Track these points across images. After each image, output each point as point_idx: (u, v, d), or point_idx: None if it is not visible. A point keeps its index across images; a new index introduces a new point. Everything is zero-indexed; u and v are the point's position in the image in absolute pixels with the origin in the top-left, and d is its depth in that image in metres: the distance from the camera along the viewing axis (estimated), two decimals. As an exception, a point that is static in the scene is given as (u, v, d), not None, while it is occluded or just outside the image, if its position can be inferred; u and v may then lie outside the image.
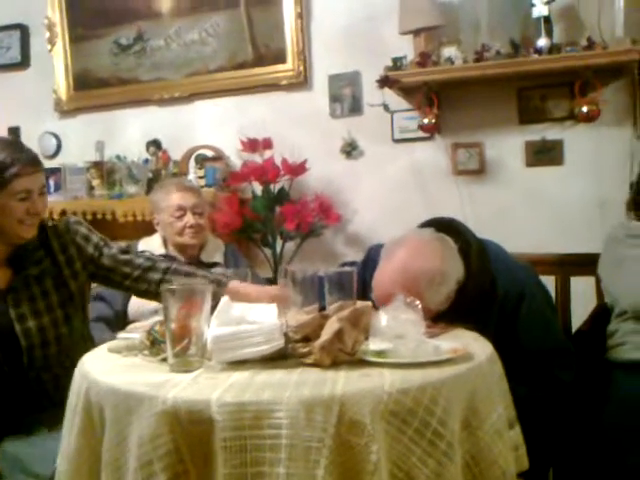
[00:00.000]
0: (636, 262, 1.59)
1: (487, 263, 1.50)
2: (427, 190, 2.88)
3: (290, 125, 3.02)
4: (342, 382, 1.02)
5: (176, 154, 3.07)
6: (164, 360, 1.17)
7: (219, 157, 3.05)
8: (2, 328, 1.45)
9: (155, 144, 3.11)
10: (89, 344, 1.56)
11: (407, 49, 2.73)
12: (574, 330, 1.85)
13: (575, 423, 1.52)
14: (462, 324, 1.40)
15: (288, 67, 3.06)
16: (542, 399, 1.44)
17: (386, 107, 2.84)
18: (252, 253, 2.99)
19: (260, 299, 1.35)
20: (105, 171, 3.04)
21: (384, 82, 2.68)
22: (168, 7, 3.26)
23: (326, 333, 1.10)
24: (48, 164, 2.95)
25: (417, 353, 1.11)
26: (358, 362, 1.12)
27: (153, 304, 1.75)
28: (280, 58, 3.07)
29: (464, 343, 1.20)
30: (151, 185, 2.80)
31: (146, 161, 3.08)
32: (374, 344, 1.16)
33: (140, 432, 0.98)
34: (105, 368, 1.18)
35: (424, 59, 2.62)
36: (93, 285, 1.87)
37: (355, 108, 2.99)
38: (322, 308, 1.24)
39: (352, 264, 1.65)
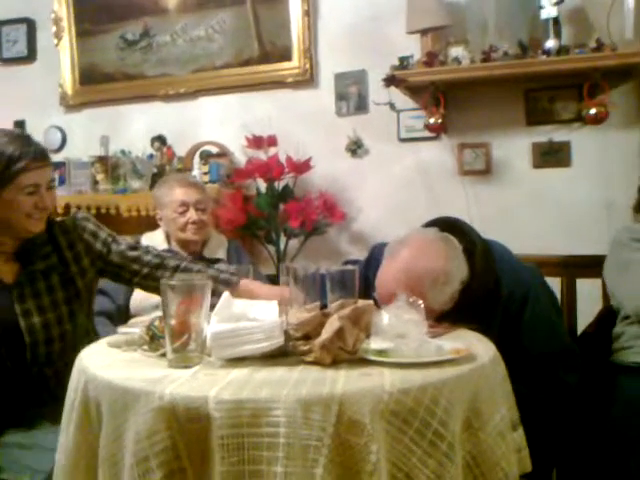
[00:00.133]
0: (641, 266, 1.58)
1: (492, 263, 1.48)
2: (433, 190, 2.86)
3: (295, 123, 3.01)
4: (342, 381, 1.00)
5: (181, 150, 3.07)
6: (163, 355, 1.16)
7: (224, 153, 3.05)
8: (7, 323, 1.43)
9: (160, 140, 3.10)
10: (93, 339, 1.55)
11: (414, 48, 2.72)
12: (580, 332, 1.84)
13: (579, 425, 1.51)
14: (465, 324, 1.38)
15: (294, 65, 3.06)
16: (546, 401, 1.42)
17: (392, 106, 2.83)
18: (256, 250, 2.98)
19: (271, 300, 1.33)
20: (110, 166, 3.04)
21: (390, 81, 2.66)
22: (174, 3, 3.26)
23: (327, 331, 1.09)
24: (53, 158, 2.89)
25: (419, 353, 1.10)
26: (359, 361, 1.10)
27: (155, 299, 1.74)
28: (286, 55, 3.07)
29: (467, 343, 1.18)
30: (155, 180, 2.79)
31: (151, 156, 3.08)
32: (375, 343, 1.14)
33: (137, 428, 0.97)
34: (104, 363, 1.16)
35: (431, 59, 2.60)
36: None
37: (361, 106, 2.98)
38: (324, 306, 1.23)
39: (355, 262, 1.64)
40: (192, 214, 2.20)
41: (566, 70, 2.48)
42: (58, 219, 1.60)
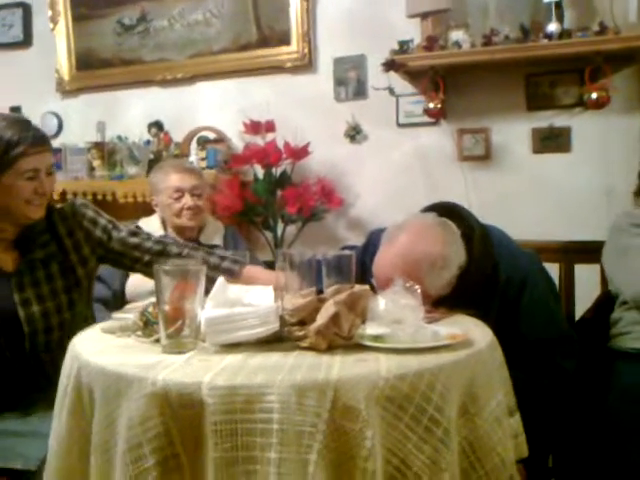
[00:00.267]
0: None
1: (490, 248, 1.47)
2: (432, 175, 2.84)
3: (293, 108, 2.98)
4: (337, 367, 0.99)
5: (178, 136, 3.05)
6: (157, 341, 1.15)
7: (221, 139, 3.02)
8: (5, 312, 1.42)
9: (157, 125, 3.08)
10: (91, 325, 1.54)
11: (414, 32, 2.69)
12: (577, 318, 1.83)
13: (577, 411, 1.51)
14: (463, 310, 1.37)
15: (292, 49, 3.02)
16: (543, 387, 1.42)
17: (391, 91, 2.80)
18: (253, 236, 2.97)
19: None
20: (106, 152, 3.02)
21: (390, 66, 2.63)
22: (172, -13, 3.21)
23: (322, 317, 1.08)
24: (49, 144, 2.92)
25: (415, 338, 1.09)
26: (355, 346, 1.09)
27: (151, 284, 1.72)
28: (284, 40, 3.03)
29: (464, 329, 1.17)
30: (152, 166, 2.77)
31: (147, 142, 3.05)
32: (371, 328, 1.13)
33: (129, 414, 0.96)
34: (97, 349, 1.15)
35: (431, 43, 2.57)
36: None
37: (360, 92, 2.95)
38: (320, 292, 1.22)
39: (352, 248, 1.62)
40: (187, 200, 2.18)
41: (568, 54, 2.45)
42: (58, 206, 1.58)
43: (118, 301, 2.04)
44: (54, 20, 3.43)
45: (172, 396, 0.94)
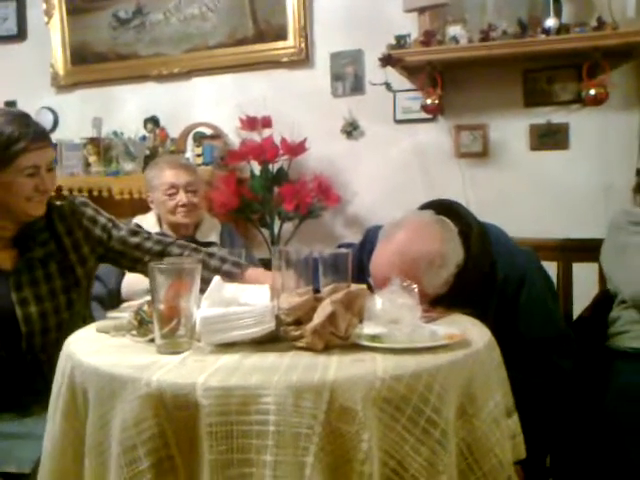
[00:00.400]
0: (638, 250, 1.56)
1: (488, 246, 1.46)
2: (429, 172, 2.83)
3: (290, 103, 2.96)
4: (334, 367, 0.98)
5: (174, 131, 3.03)
6: (152, 341, 1.13)
7: (217, 135, 3.00)
8: (3, 312, 1.40)
9: (153, 121, 3.06)
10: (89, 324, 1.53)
11: (411, 27, 2.67)
12: (575, 316, 1.82)
13: (575, 411, 1.50)
14: (460, 309, 1.36)
15: (289, 44, 3.00)
16: (541, 387, 1.41)
17: (388, 86, 2.78)
18: (250, 233, 2.95)
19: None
20: (102, 147, 3.00)
21: (387, 61, 2.62)
22: (168, -20, 3.19)
23: (319, 316, 1.07)
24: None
25: (412, 338, 1.08)
26: (351, 346, 1.08)
27: (147, 283, 1.71)
28: (281, 35, 3.01)
29: (462, 329, 1.16)
30: (148, 162, 2.75)
31: (143, 138, 3.03)
32: (368, 328, 1.12)
33: (124, 416, 0.94)
34: (91, 349, 1.14)
35: (428, 38, 2.56)
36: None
37: (357, 87, 2.93)
38: (316, 290, 1.20)
39: (349, 246, 1.61)
40: (182, 197, 2.16)
41: (566, 50, 2.44)
42: (57, 203, 1.55)
43: (114, 299, 2.02)
44: (48, 13, 3.40)
45: (167, 397, 0.92)
